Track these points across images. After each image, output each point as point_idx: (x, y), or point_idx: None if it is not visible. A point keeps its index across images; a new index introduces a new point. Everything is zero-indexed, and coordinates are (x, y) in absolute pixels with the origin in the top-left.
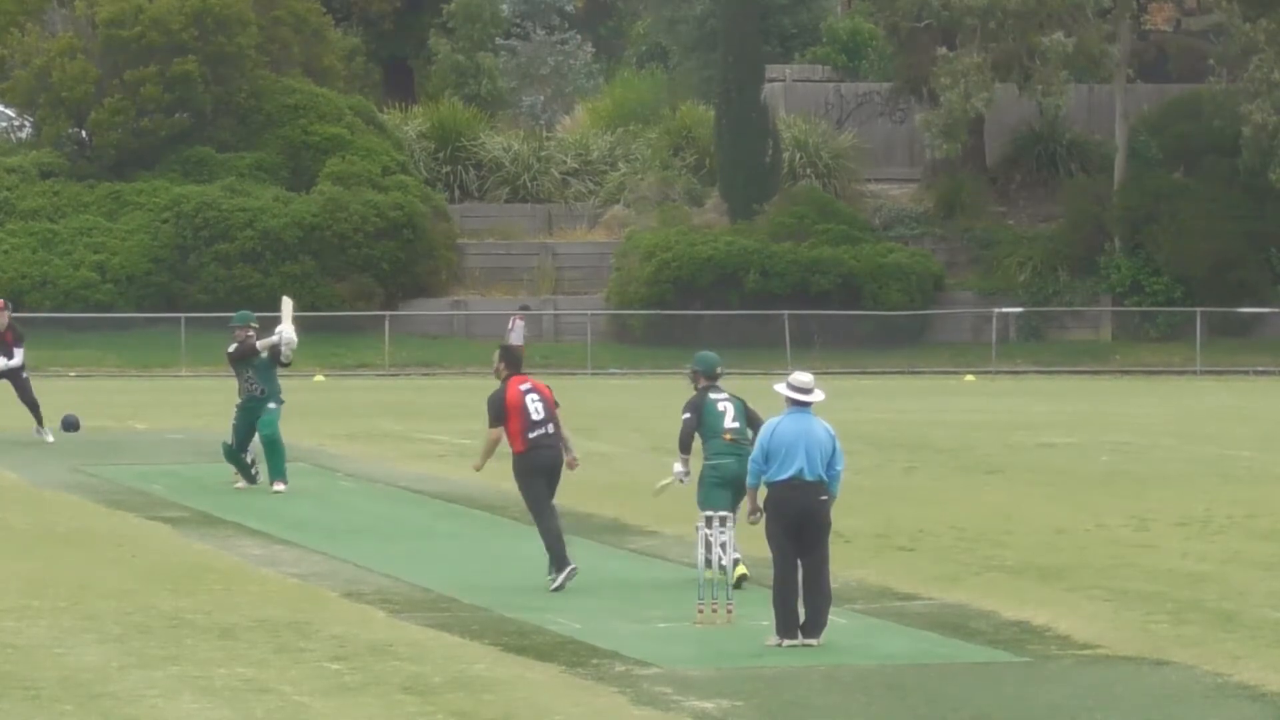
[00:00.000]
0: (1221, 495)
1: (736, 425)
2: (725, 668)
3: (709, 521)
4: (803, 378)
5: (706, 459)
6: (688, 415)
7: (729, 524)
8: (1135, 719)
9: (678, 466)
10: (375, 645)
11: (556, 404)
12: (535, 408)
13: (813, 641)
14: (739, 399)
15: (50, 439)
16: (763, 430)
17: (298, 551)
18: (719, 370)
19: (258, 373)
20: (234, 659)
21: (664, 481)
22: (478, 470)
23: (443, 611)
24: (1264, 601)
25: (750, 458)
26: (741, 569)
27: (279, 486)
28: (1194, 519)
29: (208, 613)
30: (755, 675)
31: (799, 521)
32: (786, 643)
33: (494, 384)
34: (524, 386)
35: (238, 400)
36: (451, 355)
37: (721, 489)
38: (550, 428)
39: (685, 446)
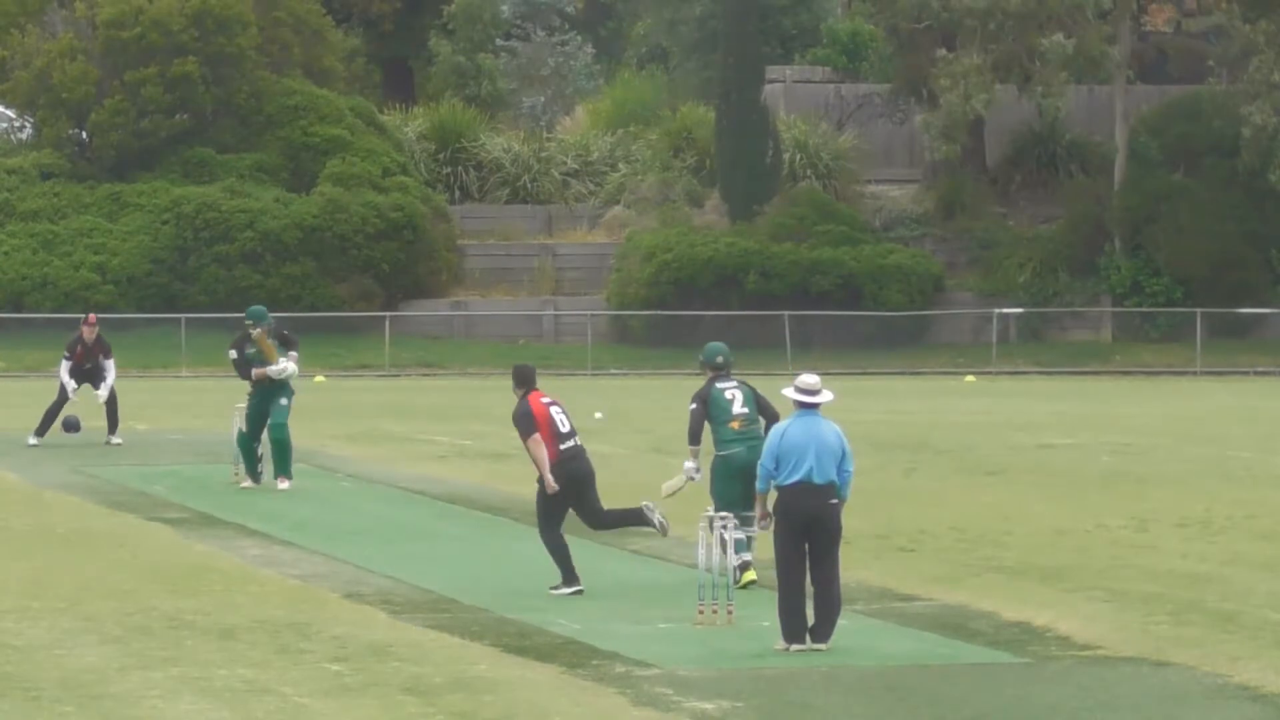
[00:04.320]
0: (1221, 496)
1: (745, 411)
2: (725, 668)
3: (710, 523)
4: (810, 379)
5: (717, 449)
6: (695, 405)
7: (737, 524)
8: (1135, 719)
9: (689, 464)
10: (376, 646)
11: None
12: (562, 420)
13: (821, 646)
14: (748, 386)
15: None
16: (772, 434)
17: (298, 552)
18: (722, 359)
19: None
20: (234, 660)
21: (673, 482)
22: (553, 491)
23: (443, 613)
24: (1264, 602)
25: (759, 463)
26: (751, 574)
27: (284, 484)
28: (1194, 519)
29: (208, 614)
30: (755, 676)
31: (808, 525)
32: (794, 648)
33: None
34: (546, 400)
35: (249, 389)
36: (452, 356)
37: (732, 480)
38: (578, 440)
39: (694, 437)
